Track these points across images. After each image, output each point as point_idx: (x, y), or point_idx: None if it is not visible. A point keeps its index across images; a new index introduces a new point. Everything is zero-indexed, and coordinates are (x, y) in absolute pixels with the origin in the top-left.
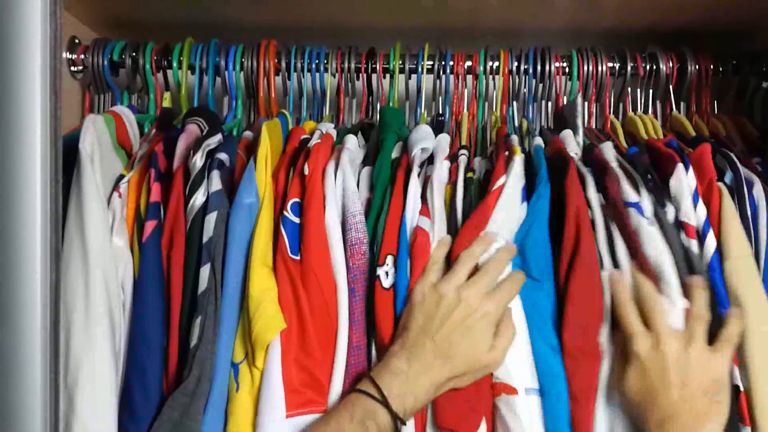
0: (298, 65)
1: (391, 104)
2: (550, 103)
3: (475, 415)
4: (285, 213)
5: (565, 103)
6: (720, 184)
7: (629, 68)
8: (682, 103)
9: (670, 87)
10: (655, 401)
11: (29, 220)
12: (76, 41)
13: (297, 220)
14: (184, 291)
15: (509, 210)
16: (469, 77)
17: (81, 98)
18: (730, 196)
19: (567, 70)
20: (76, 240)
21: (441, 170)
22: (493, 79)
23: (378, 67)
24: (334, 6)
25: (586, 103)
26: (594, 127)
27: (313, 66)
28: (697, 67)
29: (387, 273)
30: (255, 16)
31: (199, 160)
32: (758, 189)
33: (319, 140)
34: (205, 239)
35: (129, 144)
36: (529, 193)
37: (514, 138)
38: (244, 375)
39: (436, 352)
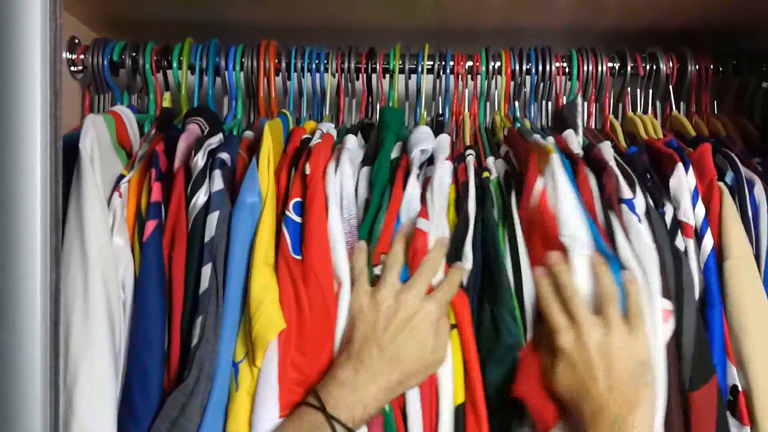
0: (298, 65)
1: (390, 104)
2: (550, 103)
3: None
4: (287, 212)
5: (564, 102)
6: (720, 183)
7: (629, 68)
8: (682, 103)
9: (670, 87)
10: (587, 395)
11: (29, 220)
12: (76, 41)
13: (299, 219)
14: (185, 290)
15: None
16: (469, 77)
17: (81, 98)
18: (730, 196)
19: (567, 70)
20: (76, 240)
21: (442, 171)
22: (494, 79)
23: (378, 67)
24: (334, 6)
25: (585, 103)
26: (594, 127)
27: (313, 66)
28: (697, 67)
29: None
30: (255, 16)
31: (200, 160)
32: (759, 189)
33: (320, 140)
34: (206, 239)
35: (129, 144)
36: None
37: (537, 137)
38: (244, 374)
39: (384, 358)
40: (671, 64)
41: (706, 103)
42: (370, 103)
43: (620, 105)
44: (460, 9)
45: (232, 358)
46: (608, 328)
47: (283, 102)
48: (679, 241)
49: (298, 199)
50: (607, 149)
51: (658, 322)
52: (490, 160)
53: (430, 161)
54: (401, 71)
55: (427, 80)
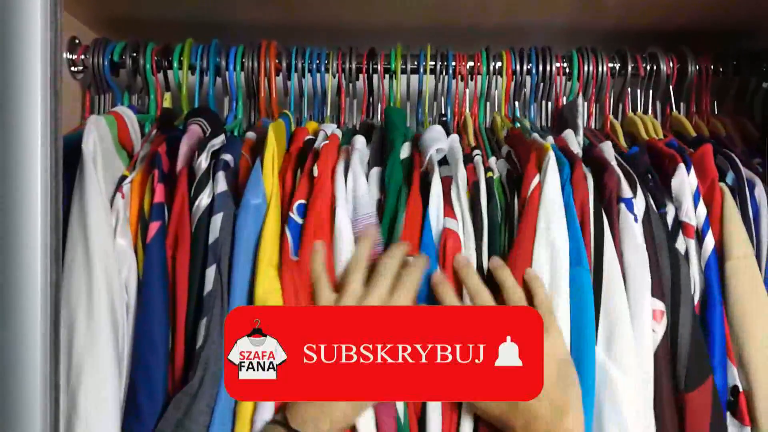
0: (299, 65)
1: (392, 104)
2: (550, 103)
3: None
4: (290, 214)
5: (565, 103)
6: (722, 184)
7: (629, 68)
8: (682, 104)
9: (670, 87)
10: (516, 407)
11: (29, 220)
12: (76, 41)
13: (301, 221)
14: (189, 292)
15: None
16: (469, 77)
17: (81, 98)
18: (732, 196)
19: (567, 70)
20: (79, 241)
21: (462, 171)
22: (495, 79)
23: (379, 67)
24: (335, 6)
25: (586, 103)
26: (594, 127)
27: (314, 66)
28: (697, 67)
29: None
30: (256, 16)
31: (204, 161)
32: (760, 190)
33: (327, 141)
34: (211, 240)
35: (130, 144)
36: None
37: (536, 136)
38: None
39: None
40: (671, 65)
41: (706, 104)
42: (371, 104)
43: (620, 105)
44: (459, 9)
45: None
46: None
47: (284, 102)
48: (681, 242)
49: (302, 200)
50: (608, 149)
51: (645, 322)
52: (492, 161)
53: (440, 161)
54: (403, 71)
55: (428, 80)
